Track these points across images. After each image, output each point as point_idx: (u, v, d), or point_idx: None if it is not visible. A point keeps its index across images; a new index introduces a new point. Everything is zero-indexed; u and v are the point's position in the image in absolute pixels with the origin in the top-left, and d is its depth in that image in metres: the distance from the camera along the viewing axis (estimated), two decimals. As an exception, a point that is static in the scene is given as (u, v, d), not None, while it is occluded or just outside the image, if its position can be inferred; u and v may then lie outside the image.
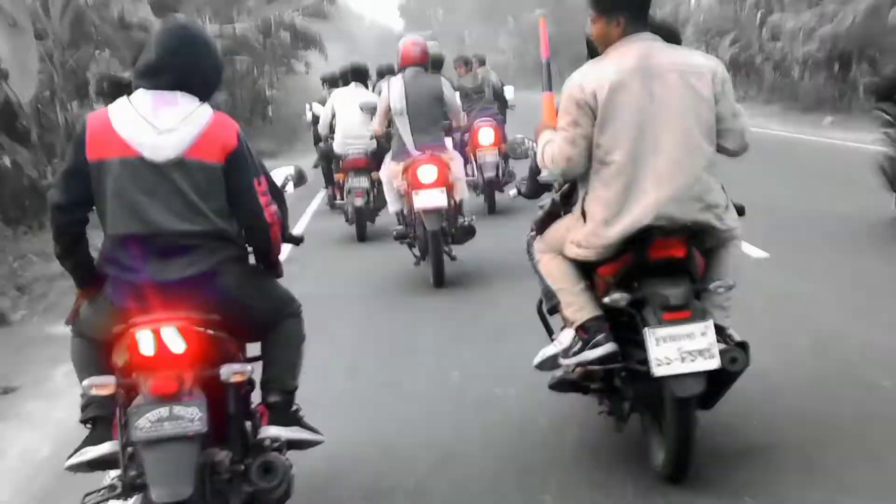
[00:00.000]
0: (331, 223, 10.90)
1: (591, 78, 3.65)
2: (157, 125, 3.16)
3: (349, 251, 9.70)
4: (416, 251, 7.68)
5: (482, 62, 12.31)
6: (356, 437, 4.36)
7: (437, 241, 7.28)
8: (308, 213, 12.42)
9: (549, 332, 4.23)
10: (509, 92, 12.16)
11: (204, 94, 3.29)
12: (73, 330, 3.38)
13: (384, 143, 8.10)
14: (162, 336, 3.07)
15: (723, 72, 3.69)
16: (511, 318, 6.05)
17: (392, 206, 7.78)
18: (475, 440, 4.29)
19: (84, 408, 3.33)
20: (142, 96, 3.22)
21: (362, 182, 9.87)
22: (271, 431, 3.38)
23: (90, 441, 3.29)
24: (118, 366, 3.18)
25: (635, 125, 3.59)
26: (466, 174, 11.33)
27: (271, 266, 3.52)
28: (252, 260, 3.46)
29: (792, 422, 4.24)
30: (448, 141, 7.86)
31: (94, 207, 3.22)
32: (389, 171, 7.62)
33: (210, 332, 3.15)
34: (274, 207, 3.33)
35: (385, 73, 11.22)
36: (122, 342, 3.13)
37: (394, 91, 7.50)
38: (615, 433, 3.99)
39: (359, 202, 9.84)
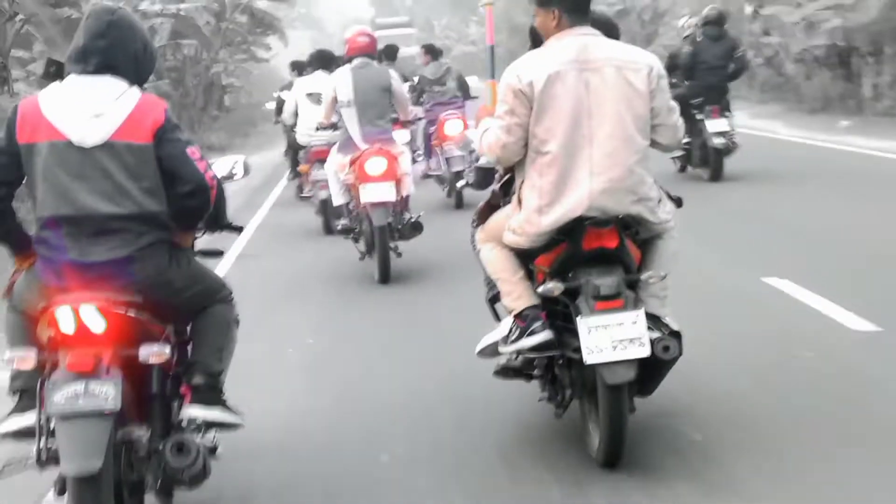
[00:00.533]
0: (297, 215, 10.95)
1: (529, 68, 3.78)
2: (85, 110, 3.28)
3: (308, 244, 9.70)
4: (361, 246, 7.62)
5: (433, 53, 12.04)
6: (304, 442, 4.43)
7: (383, 237, 7.22)
8: (267, 204, 12.42)
9: (498, 320, 4.32)
10: (472, 82, 12.04)
11: (136, 78, 3.42)
12: (8, 304, 3.50)
13: None
14: (81, 314, 3.19)
15: (659, 67, 3.83)
16: (455, 315, 6.13)
17: (337, 199, 7.77)
18: (418, 434, 4.39)
19: (13, 379, 3.45)
20: (72, 81, 3.36)
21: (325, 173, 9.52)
22: (190, 411, 3.49)
23: (16, 411, 3.41)
24: (42, 341, 3.30)
25: (571, 116, 3.70)
26: (431, 168, 11.65)
27: (220, 228, 3.72)
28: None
29: (727, 412, 4.37)
30: (401, 133, 7.79)
31: (19, 186, 3.40)
32: (335, 163, 7.61)
33: (130, 312, 3.27)
34: (212, 172, 3.45)
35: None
36: (45, 319, 3.25)
37: (340, 81, 7.45)
38: (555, 420, 4.14)
39: (324, 194, 9.58)
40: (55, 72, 10.67)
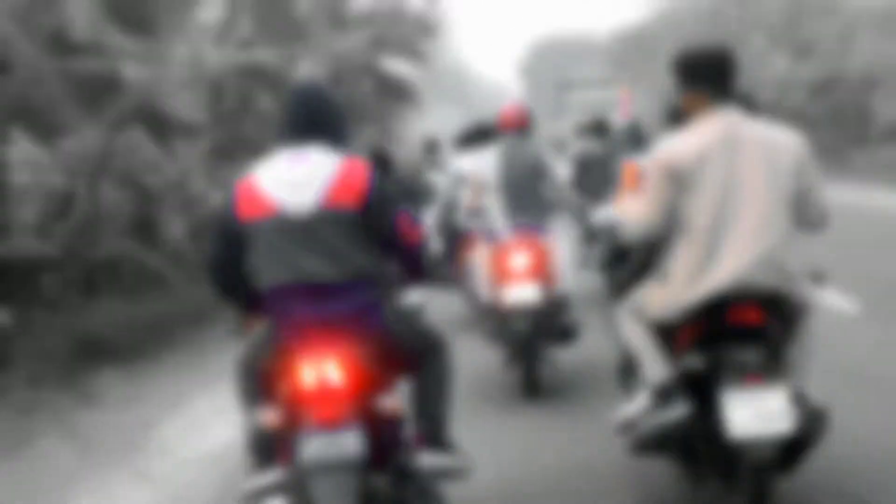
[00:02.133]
0: (446, 303, 10.44)
1: (679, 148, 4.15)
2: (293, 181, 3.76)
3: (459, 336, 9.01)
4: (505, 353, 6.97)
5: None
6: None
7: (526, 347, 6.65)
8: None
9: (627, 392, 4.58)
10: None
11: (336, 144, 3.91)
12: (238, 367, 3.94)
13: None
14: (322, 369, 3.60)
15: (803, 147, 4.16)
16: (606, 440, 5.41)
17: (480, 295, 7.21)
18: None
19: (251, 439, 3.87)
20: (280, 155, 3.89)
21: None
22: (425, 460, 3.92)
23: (257, 470, 3.82)
24: (282, 398, 3.70)
25: (719, 193, 4.04)
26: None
27: (422, 277, 4.13)
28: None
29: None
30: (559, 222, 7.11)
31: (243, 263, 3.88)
32: (479, 254, 7.13)
33: (366, 364, 3.68)
34: (420, 232, 3.95)
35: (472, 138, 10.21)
36: (286, 375, 3.67)
37: (488, 160, 6.63)
38: (693, 497, 4.40)
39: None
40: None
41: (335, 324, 3.71)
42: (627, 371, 4.62)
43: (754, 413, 3.79)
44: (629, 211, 4.31)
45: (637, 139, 10.54)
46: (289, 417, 3.66)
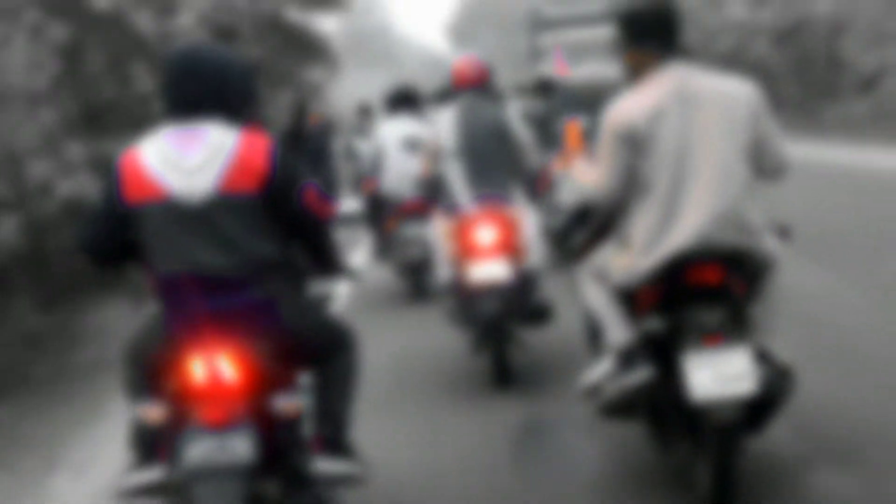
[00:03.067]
0: (378, 278, 10.54)
1: (631, 108, 4.17)
2: (184, 165, 3.51)
3: (396, 317, 9.19)
4: (470, 337, 6.56)
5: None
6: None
7: (496, 329, 6.24)
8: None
9: (597, 355, 4.60)
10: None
11: (235, 115, 3.64)
12: (126, 357, 3.78)
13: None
14: (214, 365, 3.44)
15: (757, 95, 4.19)
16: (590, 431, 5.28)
17: (442, 272, 6.71)
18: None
19: (133, 433, 3.71)
20: (168, 131, 3.61)
21: (417, 229, 9.16)
22: (321, 465, 3.74)
23: (137, 466, 3.66)
24: (169, 393, 3.55)
25: (675, 152, 4.07)
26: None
27: (332, 267, 3.94)
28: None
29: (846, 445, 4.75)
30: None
31: (128, 250, 3.69)
32: (441, 227, 6.63)
33: (262, 361, 3.54)
34: (330, 206, 3.81)
35: (445, 96, 9.78)
36: (175, 370, 3.52)
37: (443, 124, 6.11)
38: (662, 460, 4.48)
39: (415, 253, 9.27)
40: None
41: (230, 318, 3.56)
42: (593, 334, 4.67)
43: (715, 374, 3.83)
44: (586, 177, 4.37)
45: (570, 101, 10.18)
46: (175, 414, 3.52)
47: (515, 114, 6.87)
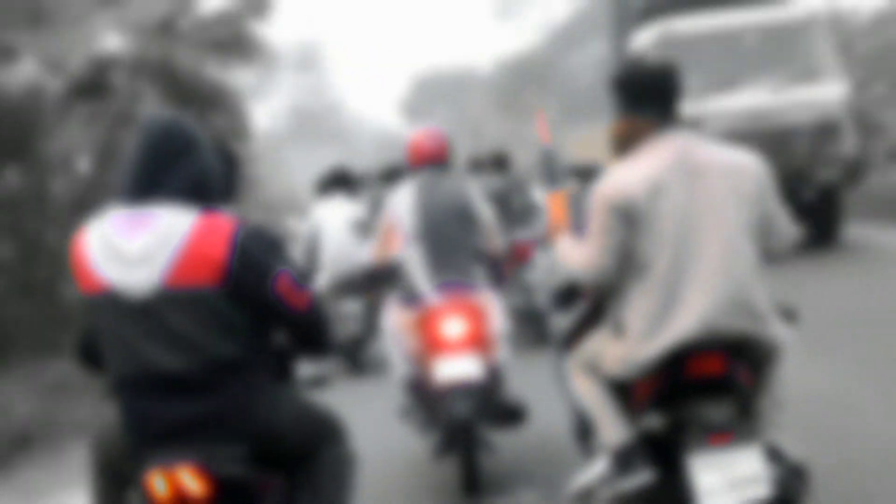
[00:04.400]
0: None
1: (627, 180, 3.92)
2: (125, 254, 3.26)
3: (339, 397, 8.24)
4: (433, 440, 6.03)
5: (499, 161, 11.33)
6: None
7: (466, 433, 5.73)
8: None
9: (587, 455, 4.47)
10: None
11: (203, 196, 3.37)
12: (93, 461, 3.63)
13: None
14: (177, 480, 3.24)
15: (764, 169, 4.01)
16: None
17: (399, 369, 6.20)
18: None
19: None
20: (116, 214, 3.35)
21: (354, 307, 9.80)
22: None
23: None
24: None
25: (676, 230, 3.84)
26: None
27: (322, 346, 3.68)
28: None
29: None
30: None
31: None
32: (397, 320, 6.10)
33: (232, 469, 3.31)
34: (307, 295, 3.45)
35: (393, 174, 9.73)
36: (139, 484, 3.33)
37: (401, 204, 5.79)
38: None
39: (350, 330, 9.82)
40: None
41: (193, 425, 3.31)
42: (584, 432, 4.49)
43: (725, 478, 3.67)
44: (574, 258, 4.11)
45: (554, 170, 9.99)
46: None
47: (478, 191, 6.45)
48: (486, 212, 6.31)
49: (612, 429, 4.05)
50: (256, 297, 3.32)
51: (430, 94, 65.30)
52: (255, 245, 3.31)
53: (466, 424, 5.67)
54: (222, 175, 3.53)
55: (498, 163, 11.00)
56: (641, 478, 3.92)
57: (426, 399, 5.93)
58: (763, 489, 3.66)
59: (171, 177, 3.30)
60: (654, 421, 3.99)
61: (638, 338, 3.87)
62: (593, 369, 4.14)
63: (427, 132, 6.48)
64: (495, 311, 6.00)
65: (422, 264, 5.94)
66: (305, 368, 3.98)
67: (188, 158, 3.33)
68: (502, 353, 5.98)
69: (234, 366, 3.32)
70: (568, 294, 4.57)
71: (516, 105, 48.68)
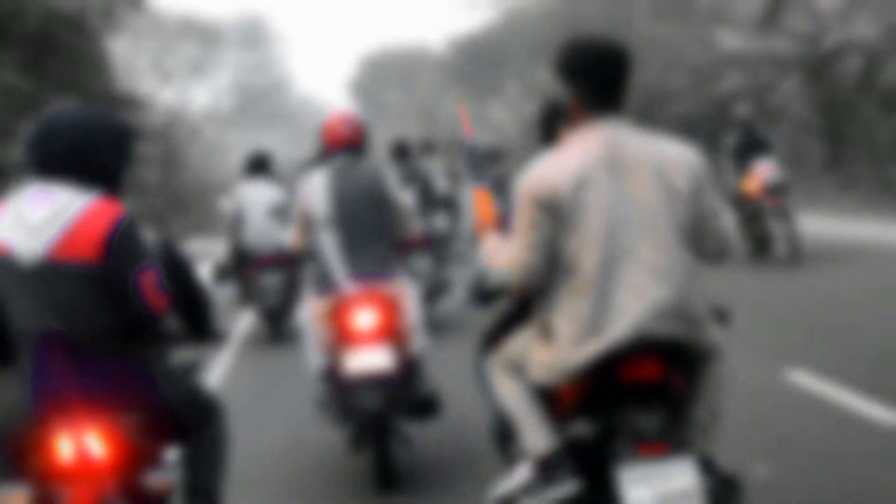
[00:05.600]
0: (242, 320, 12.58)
1: (552, 172, 3.79)
2: (27, 222, 3.59)
3: (270, 399, 8.93)
4: (348, 433, 6.15)
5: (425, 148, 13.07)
6: None
7: (379, 426, 5.88)
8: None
9: (508, 461, 4.46)
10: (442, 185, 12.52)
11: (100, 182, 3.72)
12: None
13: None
14: (82, 442, 3.49)
15: (702, 164, 3.86)
16: None
17: (313, 360, 6.27)
18: None
19: None
20: (27, 190, 3.70)
21: (273, 280, 11.12)
22: None
23: None
24: (34, 474, 3.54)
25: (605, 228, 3.71)
26: None
27: (204, 333, 4.06)
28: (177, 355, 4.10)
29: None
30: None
31: None
32: (311, 309, 6.20)
33: (130, 437, 3.58)
34: (164, 300, 3.68)
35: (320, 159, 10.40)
36: (38, 448, 3.51)
37: (314, 190, 5.96)
38: None
39: (271, 301, 11.21)
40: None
41: (97, 389, 3.60)
42: (504, 436, 4.42)
43: (656, 492, 3.55)
44: (499, 255, 3.95)
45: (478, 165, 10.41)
46: (41, 497, 3.55)
47: (393, 177, 6.55)
48: (401, 197, 6.42)
49: (537, 435, 3.96)
50: (123, 282, 3.59)
51: (380, 73, 64.93)
52: (135, 235, 3.64)
53: (378, 417, 5.81)
54: (115, 161, 3.79)
55: (399, 153, 12.12)
56: (566, 488, 3.83)
57: (340, 391, 6.02)
58: None
59: (65, 161, 3.66)
60: (581, 428, 3.86)
61: (568, 343, 3.74)
62: (517, 371, 4.06)
63: (342, 117, 6.51)
64: (410, 300, 6.11)
65: (336, 251, 6.03)
66: (182, 353, 4.19)
67: (81, 145, 3.69)
68: (418, 343, 6.10)
69: (120, 338, 3.63)
70: (485, 291, 4.42)
71: (472, 86, 48.40)
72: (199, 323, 4.02)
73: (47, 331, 3.58)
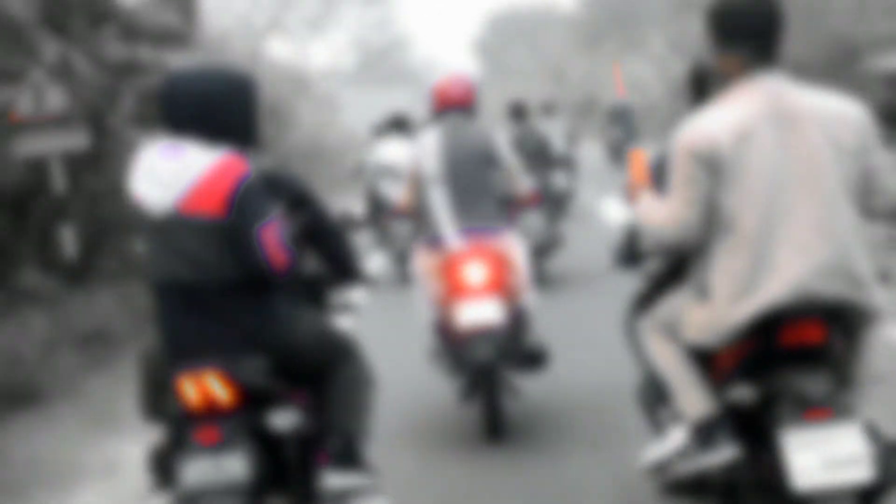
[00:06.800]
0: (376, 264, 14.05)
1: (711, 126, 3.80)
2: (157, 174, 3.92)
3: (388, 303, 11.34)
4: (459, 384, 6.60)
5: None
6: None
7: (489, 377, 6.27)
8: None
9: (657, 426, 4.55)
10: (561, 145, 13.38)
11: (226, 139, 4.00)
12: (138, 372, 4.21)
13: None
14: (204, 385, 3.83)
15: (868, 119, 3.85)
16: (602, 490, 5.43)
17: (425, 313, 6.78)
18: None
19: (147, 455, 4.12)
20: (157, 144, 4.02)
21: (404, 227, 12.07)
22: (329, 480, 4.07)
23: (154, 489, 4.08)
24: (171, 413, 3.96)
25: (767, 183, 3.72)
26: None
27: (348, 274, 4.53)
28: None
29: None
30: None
31: None
32: (422, 264, 6.70)
33: (256, 378, 3.90)
34: (286, 255, 3.96)
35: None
36: (173, 389, 3.90)
37: (425, 148, 6.49)
38: None
39: (401, 246, 12.48)
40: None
41: (216, 336, 3.92)
42: (654, 399, 4.48)
43: (823, 457, 3.55)
44: (654, 215, 3.98)
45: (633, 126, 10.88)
46: (177, 434, 3.93)
47: (503, 137, 7.00)
48: (511, 156, 6.85)
49: (695, 399, 3.97)
50: (244, 237, 3.88)
51: (505, 32, 64.84)
52: (259, 192, 3.94)
53: (488, 368, 6.18)
54: (239, 119, 4.08)
55: (516, 113, 12.86)
56: (726, 453, 3.84)
57: (451, 343, 6.44)
58: (863, 471, 3.55)
59: (189, 120, 3.97)
60: (741, 392, 3.88)
61: (724, 302, 3.76)
62: (672, 333, 4.09)
63: (453, 77, 6.98)
64: (519, 255, 6.53)
65: (446, 208, 6.49)
66: (336, 296, 4.64)
67: (203, 105, 3.98)
68: (526, 297, 6.52)
69: (245, 287, 3.94)
70: (635, 252, 4.61)
71: (607, 44, 47.88)
72: (341, 264, 4.43)
73: (174, 279, 3.91)
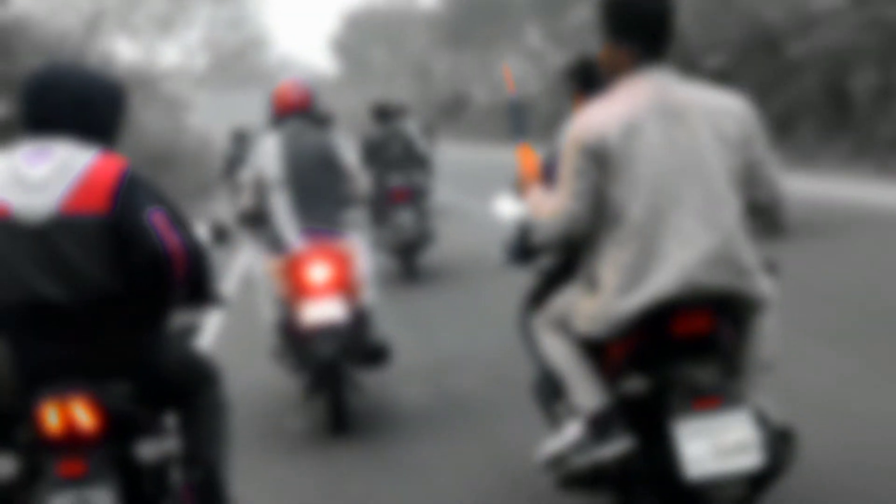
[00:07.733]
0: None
1: (599, 119, 3.97)
2: (28, 181, 3.73)
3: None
4: (303, 381, 7.02)
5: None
6: None
7: (333, 373, 6.71)
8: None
9: (553, 421, 4.65)
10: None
11: (92, 137, 3.90)
12: None
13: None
14: (69, 411, 3.61)
15: (751, 112, 4.05)
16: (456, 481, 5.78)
17: (269, 313, 7.26)
18: None
19: None
20: (21, 148, 3.84)
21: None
22: None
23: None
24: (22, 443, 3.71)
25: (654, 175, 3.89)
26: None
27: (202, 296, 4.13)
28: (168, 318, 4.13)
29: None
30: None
31: None
32: (265, 267, 7.22)
33: (121, 405, 3.73)
34: (178, 238, 3.81)
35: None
36: (26, 417, 3.65)
37: (266, 152, 6.98)
38: None
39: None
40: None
41: (81, 360, 3.73)
42: (550, 394, 4.60)
43: (714, 445, 3.71)
44: (543, 207, 4.15)
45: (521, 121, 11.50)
46: (28, 467, 3.70)
47: (342, 140, 7.40)
48: (350, 158, 7.29)
49: (587, 392, 4.09)
50: (135, 225, 3.72)
51: (365, 31, 64.83)
52: (142, 183, 3.84)
53: (332, 365, 6.63)
54: (112, 116, 4.00)
55: (380, 114, 13.14)
56: (620, 445, 3.97)
57: (295, 341, 6.89)
58: (754, 457, 3.70)
59: (63, 116, 3.83)
60: (633, 384, 4.01)
61: (613, 293, 3.88)
62: (564, 327, 4.21)
63: (292, 82, 7.44)
64: (361, 255, 7.02)
65: (287, 211, 6.87)
66: (179, 317, 4.33)
67: (79, 100, 3.87)
68: (368, 295, 7.02)
69: (117, 302, 3.74)
70: (527, 247, 4.78)
71: (471, 41, 48.96)
72: (198, 286, 4.07)
73: (34, 298, 3.66)
